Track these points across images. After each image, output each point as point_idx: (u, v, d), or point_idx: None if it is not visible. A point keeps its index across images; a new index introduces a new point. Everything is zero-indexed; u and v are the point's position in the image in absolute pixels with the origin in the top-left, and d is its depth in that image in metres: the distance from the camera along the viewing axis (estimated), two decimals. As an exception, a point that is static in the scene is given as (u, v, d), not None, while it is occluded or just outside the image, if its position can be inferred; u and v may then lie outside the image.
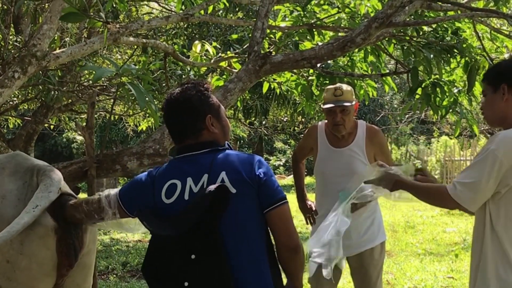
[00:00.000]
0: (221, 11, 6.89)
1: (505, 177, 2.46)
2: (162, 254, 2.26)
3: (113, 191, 2.49)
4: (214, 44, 6.12)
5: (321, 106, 4.03)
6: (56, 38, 5.69)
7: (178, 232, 2.20)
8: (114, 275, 7.44)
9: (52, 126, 10.60)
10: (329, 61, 5.06)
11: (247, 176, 2.26)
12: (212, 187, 2.19)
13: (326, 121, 4.12)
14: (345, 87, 3.99)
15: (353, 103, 3.96)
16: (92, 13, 3.57)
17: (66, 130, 12.82)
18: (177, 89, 2.46)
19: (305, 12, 5.29)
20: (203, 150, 2.35)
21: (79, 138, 20.30)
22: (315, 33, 5.29)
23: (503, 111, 2.63)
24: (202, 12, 5.46)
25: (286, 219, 2.30)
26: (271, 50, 4.50)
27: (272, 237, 2.35)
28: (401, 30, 4.88)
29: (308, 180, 17.67)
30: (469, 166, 2.60)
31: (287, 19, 5.48)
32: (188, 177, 2.29)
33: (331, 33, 5.51)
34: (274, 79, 6.34)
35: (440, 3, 4.50)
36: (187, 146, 2.39)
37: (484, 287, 2.52)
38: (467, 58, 4.82)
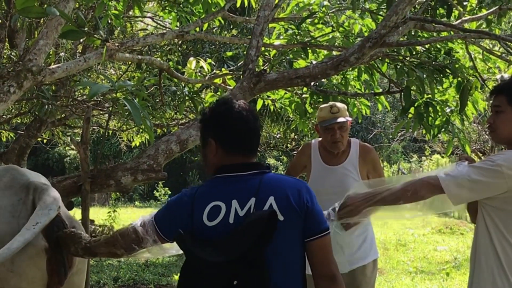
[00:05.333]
0: (216, 28, 6.93)
1: (504, 193, 2.45)
2: (199, 278, 2.15)
3: (147, 218, 2.38)
4: (209, 60, 6.15)
5: (318, 125, 4.04)
6: (51, 53, 5.70)
7: (225, 259, 2.08)
8: (105, 291, 7.40)
9: (45, 140, 10.57)
10: (323, 80, 5.09)
11: (295, 203, 2.18)
12: (264, 213, 2.12)
13: (319, 139, 4.15)
14: (339, 104, 4.03)
15: (350, 119, 4.02)
16: (89, 30, 3.59)
17: (59, 145, 12.78)
18: (240, 101, 2.35)
19: (300, 31, 5.33)
20: (250, 172, 2.25)
21: (72, 152, 20.22)
22: (309, 51, 5.33)
23: None
24: (197, 29, 5.49)
25: (327, 250, 2.23)
26: (266, 68, 4.53)
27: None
28: (395, 50, 4.92)
29: (300, 197, 17.62)
30: (470, 166, 2.56)
31: (281, 37, 5.51)
32: (233, 199, 2.18)
33: (325, 52, 5.56)
34: (268, 96, 6.36)
35: (433, 24, 4.56)
36: (234, 166, 2.27)
37: None
38: (459, 78, 4.88)
